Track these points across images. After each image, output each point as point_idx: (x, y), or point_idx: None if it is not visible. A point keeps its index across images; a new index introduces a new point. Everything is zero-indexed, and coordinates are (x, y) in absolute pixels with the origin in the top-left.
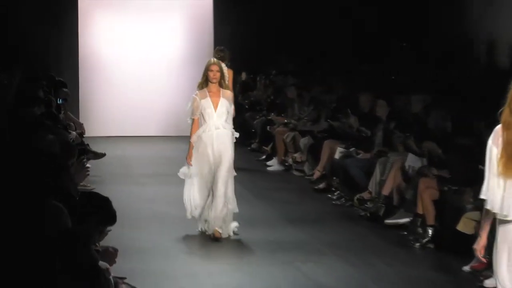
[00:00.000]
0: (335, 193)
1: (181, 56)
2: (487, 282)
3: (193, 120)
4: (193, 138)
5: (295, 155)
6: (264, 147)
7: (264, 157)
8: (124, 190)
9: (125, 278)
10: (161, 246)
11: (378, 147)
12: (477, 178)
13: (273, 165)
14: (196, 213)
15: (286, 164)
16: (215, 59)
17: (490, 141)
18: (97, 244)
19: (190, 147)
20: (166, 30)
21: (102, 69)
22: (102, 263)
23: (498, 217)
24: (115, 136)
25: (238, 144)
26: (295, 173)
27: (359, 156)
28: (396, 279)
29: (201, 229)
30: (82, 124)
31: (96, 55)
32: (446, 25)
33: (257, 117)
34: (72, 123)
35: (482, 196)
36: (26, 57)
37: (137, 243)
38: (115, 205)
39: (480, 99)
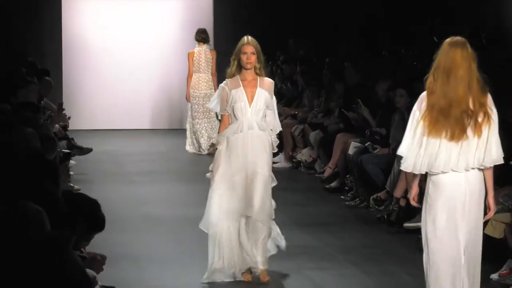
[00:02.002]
0: (349, 193)
1: (176, 40)
2: None
3: (221, 117)
4: (219, 140)
5: (304, 150)
6: None
7: None
8: (113, 190)
9: (114, 287)
10: (156, 252)
11: (396, 141)
12: (508, 177)
13: (279, 161)
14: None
15: (294, 160)
16: (249, 38)
17: (415, 106)
18: (82, 250)
19: (216, 155)
20: (160, 12)
21: (88, 55)
22: (89, 271)
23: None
24: (103, 130)
25: None
26: (304, 170)
27: (375, 152)
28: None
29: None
30: (66, 115)
31: (82, 40)
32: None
33: None
34: (54, 115)
35: (399, 153)
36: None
37: (128, 249)
38: (103, 206)
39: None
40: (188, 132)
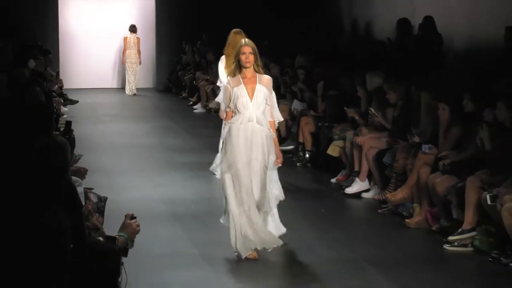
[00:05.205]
0: None
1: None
2: (347, 190)
3: (226, 113)
4: (224, 131)
5: (213, 101)
6: (191, 96)
7: (191, 103)
8: (91, 127)
9: (92, 188)
10: (119, 166)
11: None
12: (342, 117)
13: (198, 108)
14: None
15: (207, 107)
16: (246, 40)
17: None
18: (72, 165)
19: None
20: (118, 10)
21: (76, 40)
22: (75, 178)
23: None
24: (86, 88)
25: (173, 95)
26: (214, 114)
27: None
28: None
29: (238, 250)
30: (62, 79)
31: (72, 29)
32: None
33: (187, 74)
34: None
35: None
36: (17, 32)
37: (101, 164)
38: (85, 138)
39: (350, 64)
40: (127, 82)
